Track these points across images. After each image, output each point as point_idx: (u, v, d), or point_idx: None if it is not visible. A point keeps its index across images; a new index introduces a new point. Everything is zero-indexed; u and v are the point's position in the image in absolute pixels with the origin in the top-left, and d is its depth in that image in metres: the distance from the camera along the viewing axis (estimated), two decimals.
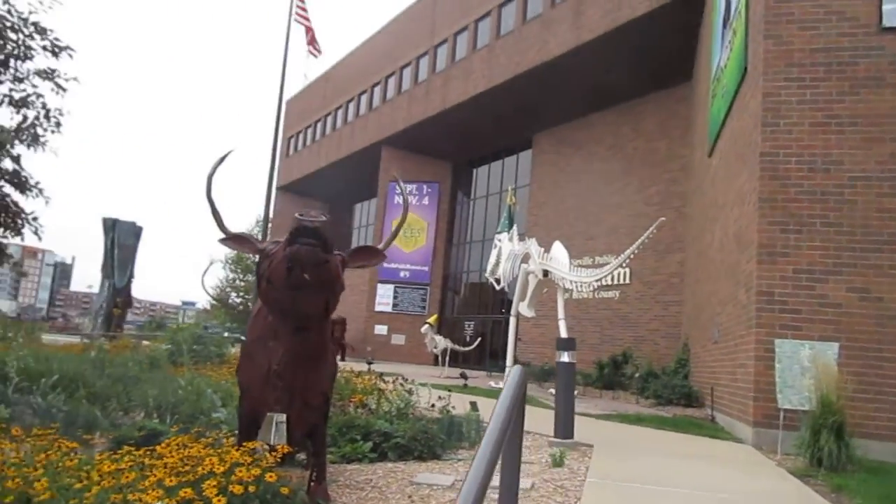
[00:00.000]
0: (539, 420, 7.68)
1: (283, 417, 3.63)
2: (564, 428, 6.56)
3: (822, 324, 7.66)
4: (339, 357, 28.40)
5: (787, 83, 8.24)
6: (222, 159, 4.03)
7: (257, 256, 3.76)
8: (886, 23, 8.04)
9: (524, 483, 4.81)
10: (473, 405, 6.93)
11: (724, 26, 12.10)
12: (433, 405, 7.40)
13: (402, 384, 7.64)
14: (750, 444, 7.76)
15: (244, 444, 3.47)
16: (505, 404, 1.91)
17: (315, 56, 22.87)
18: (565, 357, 6.57)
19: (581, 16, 20.59)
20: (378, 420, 6.25)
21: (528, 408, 9.22)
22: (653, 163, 21.03)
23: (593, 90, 22.04)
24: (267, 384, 3.65)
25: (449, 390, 10.27)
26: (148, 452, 3.44)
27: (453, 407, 7.16)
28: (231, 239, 3.87)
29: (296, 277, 3.25)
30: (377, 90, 33.58)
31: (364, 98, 34.77)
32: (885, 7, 8.03)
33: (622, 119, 22.47)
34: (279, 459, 3.38)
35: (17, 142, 13.11)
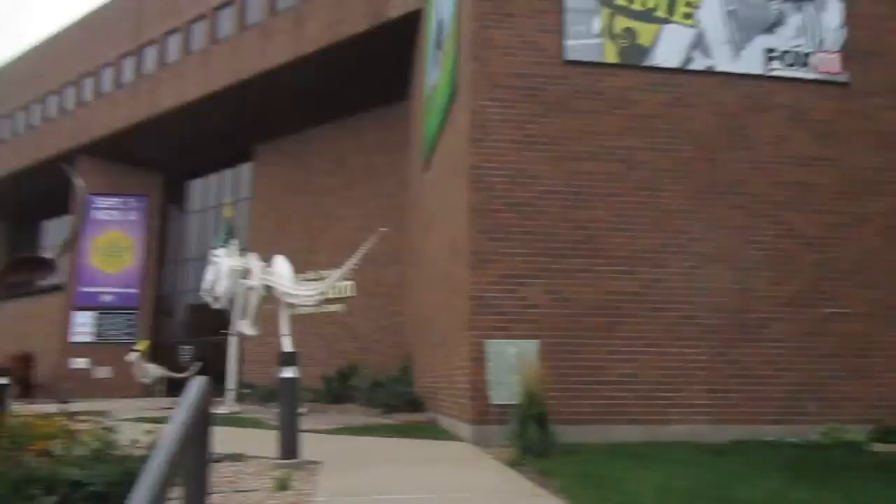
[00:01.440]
0: (265, 442, 7.19)
1: None
2: (289, 448, 6.23)
3: (525, 323, 8.38)
4: (21, 398, 24.35)
5: (492, 102, 8.94)
6: None
7: None
8: (568, 56, 9.16)
9: None
10: None
11: (437, 47, 12.85)
12: (138, 442, 6.49)
13: (98, 422, 6.62)
14: (469, 441, 8.17)
15: None
16: (178, 423, 1.58)
17: None
18: (287, 373, 6.26)
19: (302, 27, 20.43)
20: (67, 467, 5.29)
21: (256, 431, 8.57)
22: (374, 177, 21.61)
23: (315, 103, 21.97)
24: None
25: (159, 423, 9.22)
26: None
27: None
28: None
29: None
30: (70, 91, 29.66)
31: (53, 99, 30.46)
32: (566, 42, 9.14)
33: (344, 133, 22.73)
34: None
35: None
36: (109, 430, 6.51)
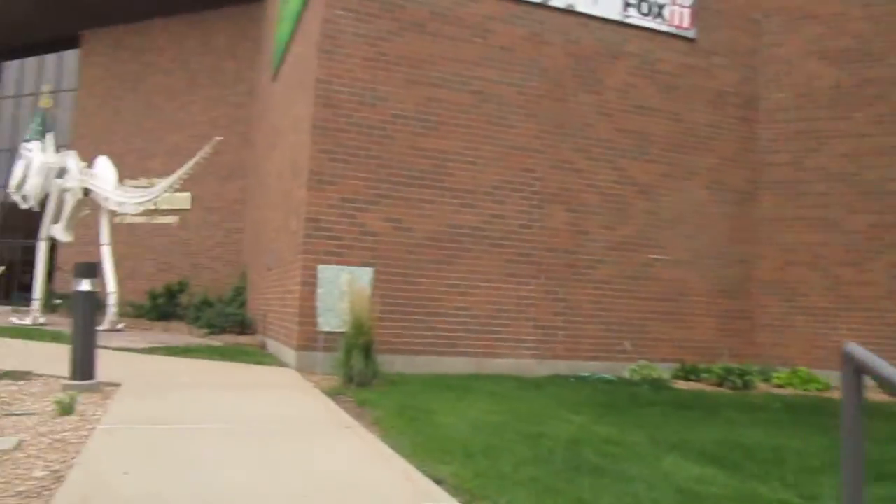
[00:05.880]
0: (61, 360, 6.36)
1: None
2: (83, 368, 5.59)
3: (361, 250, 8.10)
4: None
5: (346, 13, 8.29)
6: None
7: None
8: None
9: (4, 443, 3.82)
10: None
11: None
12: None
13: None
14: (294, 368, 7.88)
15: None
16: None
17: None
18: (84, 286, 5.55)
19: None
20: None
21: (55, 347, 7.67)
22: (221, 83, 19.96)
23: None
24: None
25: None
26: None
27: None
28: None
29: None
30: None
31: None
32: None
33: (190, 31, 20.67)
34: None
35: None
36: None
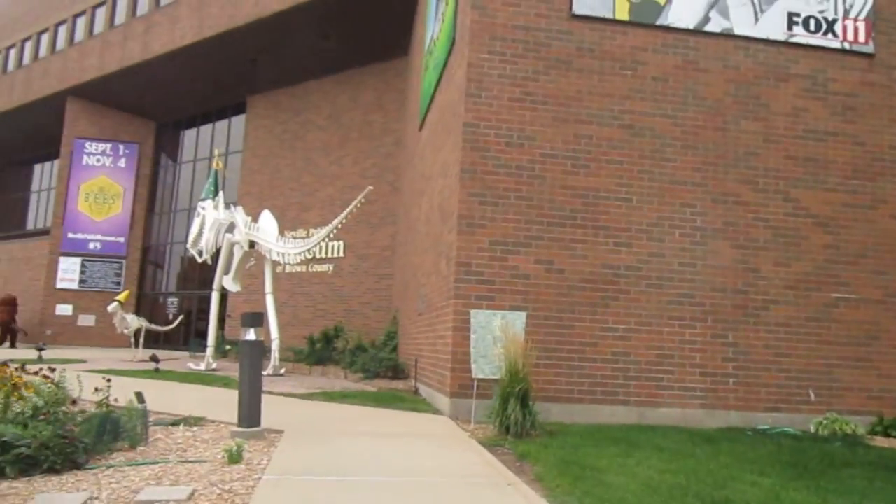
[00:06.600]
0: (232, 405, 6.67)
1: None
2: (249, 415, 5.77)
3: (512, 294, 7.89)
4: (7, 343, 23.96)
5: (490, 56, 8.30)
6: None
7: None
8: (576, 10, 8.50)
9: (180, 493, 3.93)
10: (139, 395, 5.77)
11: None
12: (106, 395, 5.95)
13: (46, 375, 6.12)
14: (448, 415, 7.75)
15: None
16: None
17: None
18: (250, 335, 5.75)
19: None
20: (3, 425, 4.82)
21: (225, 392, 8.07)
22: (369, 135, 20.93)
23: (312, 55, 21.19)
24: None
25: (124, 376, 8.78)
26: None
27: (115, 399, 5.89)
28: None
29: None
30: (62, 30, 28.66)
31: (45, 38, 29.46)
32: None
33: (340, 88, 21.98)
34: None
35: None
36: (57, 384, 6.05)
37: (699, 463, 5.41)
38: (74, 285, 26.67)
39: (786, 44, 8.90)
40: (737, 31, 8.79)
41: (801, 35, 8.92)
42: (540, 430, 6.48)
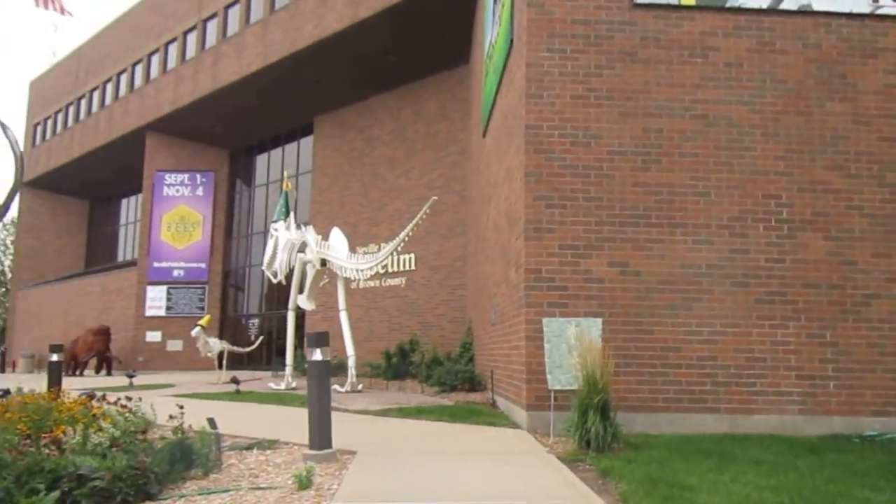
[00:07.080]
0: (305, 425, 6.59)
1: None
2: (320, 438, 5.66)
3: (586, 300, 7.54)
4: (104, 371, 25.17)
5: (550, 54, 8.02)
6: None
7: None
8: None
9: None
10: (211, 421, 5.76)
11: (494, 2, 11.92)
12: (180, 422, 5.97)
13: (124, 404, 6.22)
14: (525, 428, 7.46)
15: None
16: None
17: (64, 15, 19.57)
18: (317, 355, 5.64)
19: None
20: (83, 457, 4.88)
21: (302, 411, 7.98)
22: (434, 146, 20.87)
23: (373, 71, 21.36)
24: None
25: (204, 399, 8.90)
26: None
27: (189, 426, 5.91)
28: None
29: None
30: (139, 69, 30.06)
31: (124, 78, 30.97)
32: None
33: (403, 102, 22.05)
34: None
35: None
36: (133, 413, 6.13)
37: (802, 478, 4.92)
38: (162, 312, 27.77)
39: (872, 16, 8.22)
40: (816, 7, 8.18)
41: (888, 5, 8.23)
42: (623, 442, 6.11)
